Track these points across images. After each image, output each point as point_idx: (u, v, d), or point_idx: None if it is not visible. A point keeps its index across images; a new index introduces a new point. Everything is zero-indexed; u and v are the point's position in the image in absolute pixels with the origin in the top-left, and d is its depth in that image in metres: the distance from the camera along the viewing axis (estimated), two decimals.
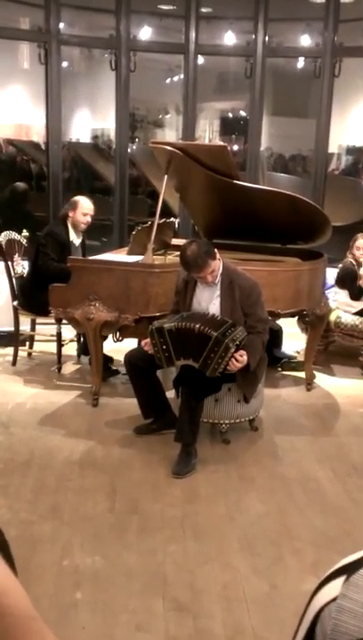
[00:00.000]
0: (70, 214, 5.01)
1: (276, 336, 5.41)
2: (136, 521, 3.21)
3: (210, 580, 2.78)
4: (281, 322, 5.33)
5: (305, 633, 0.63)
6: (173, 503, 3.39)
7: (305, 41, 7.24)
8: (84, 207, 5.00)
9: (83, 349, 5.28)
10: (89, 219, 5.03)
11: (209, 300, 3.96)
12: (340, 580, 0.61)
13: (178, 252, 5.13)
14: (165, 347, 3.72)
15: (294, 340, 5.62)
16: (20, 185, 7.82)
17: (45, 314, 4.89)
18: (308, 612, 0.63)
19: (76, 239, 5.06)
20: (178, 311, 4.02)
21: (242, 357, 3.67)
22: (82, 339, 5.26)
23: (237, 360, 3.65)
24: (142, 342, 3.95)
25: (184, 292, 4.02)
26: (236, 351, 3.64)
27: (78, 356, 5.48)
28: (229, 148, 4.85)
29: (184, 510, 3.32)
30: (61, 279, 4.53)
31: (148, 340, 3.82)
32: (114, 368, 5.10)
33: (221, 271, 3.90)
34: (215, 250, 3.89)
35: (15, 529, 3.09)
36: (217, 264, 3.88)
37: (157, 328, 3.74)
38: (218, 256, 3.88)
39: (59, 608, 2.57)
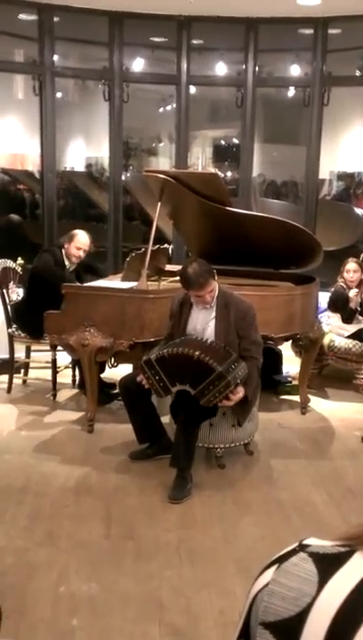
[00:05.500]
0: (66, 245, 5.11)
1: (276, 360, 5.45)
2: (132, 546, 3.21)
3: (206, 605, 2.77)
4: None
5: (244, 619, 0.70)
6: (168, 528, 3.39)
7: (295, 71, 7.38)
8: (80, 241, 5.09)
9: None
10: (82, 253, 5.11)
11: (204, 323, 3.99)
12: (273, 569, 0.68)
13: (172, 278, 5.21)
14: (157, 377, 3.73)
15: (288, 363, 5.65)
16: (15, 217, 7.94)
17: (42, 337, 4.92)
18: (247, 601, 0.68)
19: (69, 265, 5.14)
20: (173, 335, 4.05)
21: (238, 394, 3.71)
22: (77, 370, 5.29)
23: (232, 396, 3.68)
24: (138, 378, 3.88)
25: (179, 315, 4.05)
26: (235, 387, 3.68)
27: (73, 384, 5.47)
28: (221, 175, 4.93)
29: (180, 535, 3.32)
30: (56, 282, 4.63)
31: (142, 376, 3.80)
32: (115, 391, 5.08)
33: (217, 294, 3.95)
34: (214, 271, 3.94)
35: (11, 556, 3.09)
36: (216, 285, 3.93)
37: (145, 361, 3.76)
38: (216, 278, 3.94)
39: (55, 635, 2.56)
